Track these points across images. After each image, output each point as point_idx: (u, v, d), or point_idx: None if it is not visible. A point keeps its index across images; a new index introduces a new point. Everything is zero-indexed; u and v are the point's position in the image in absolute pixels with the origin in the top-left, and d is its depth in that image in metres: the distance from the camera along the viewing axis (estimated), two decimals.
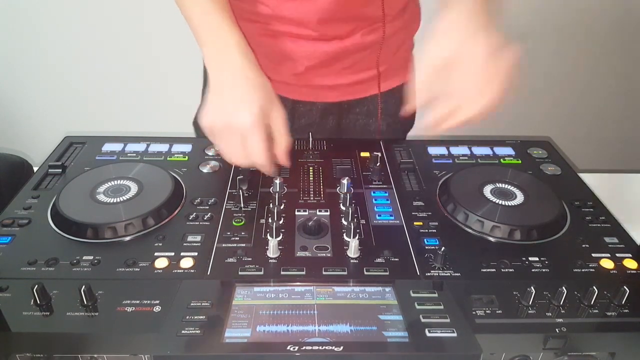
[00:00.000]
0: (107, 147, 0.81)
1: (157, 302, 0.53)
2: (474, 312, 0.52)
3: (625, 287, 0.53)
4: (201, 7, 0.69)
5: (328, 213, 0.67)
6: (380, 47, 0.85)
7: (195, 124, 0.99)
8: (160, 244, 0.61)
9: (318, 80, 0.86)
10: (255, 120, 0.62)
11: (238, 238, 0.63)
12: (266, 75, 0.71)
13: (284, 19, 0.79)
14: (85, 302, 0.51)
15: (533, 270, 0.59)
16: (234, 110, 0.63)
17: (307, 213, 0.67)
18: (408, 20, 0.88)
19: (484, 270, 0.58)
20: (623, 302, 0.53)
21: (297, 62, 0.83)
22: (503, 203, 0.67)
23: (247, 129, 0.63)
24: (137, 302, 0.53)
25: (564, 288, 0.53)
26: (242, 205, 0.68)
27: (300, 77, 0.85)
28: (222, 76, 0.67)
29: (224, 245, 0.61)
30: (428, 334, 0.50)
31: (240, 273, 0.57)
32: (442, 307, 0.53)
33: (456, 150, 0.83)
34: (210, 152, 0.80)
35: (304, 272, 0.57)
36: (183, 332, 0.49)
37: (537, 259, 0.60)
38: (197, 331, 0.49)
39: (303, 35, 0.80)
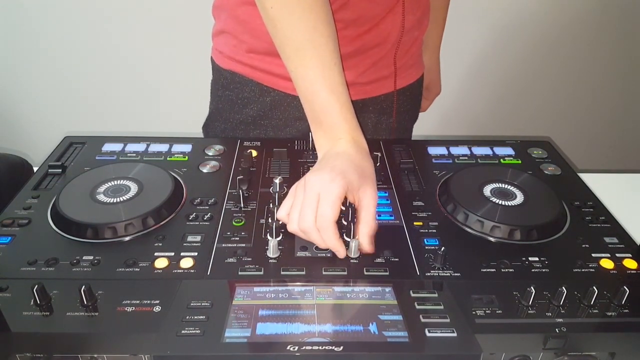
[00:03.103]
0: (107, 147, 0.82)
1: (157, 302, 0.53)
2: (474, 312, 0.52)
3: (625, 287, 0.53)
4: (328, 83, 0.66)
5: None
6: (398, 42, 0.86)
7: (206, 129, 1.00)
8: (160, 244, 0.61)
9: None
10: (341, 190, 0.60)
11: (238, 238, 0.63)
12: (277, 73, 0.81)
13: None
14: (85, 302, 0.51)
15: (533, 270, 0.59)
16: (328, 178, 0.61)
17: None
18: (421, 17, 0.89)
19: (484, 270, 0.58)
20: (623, 302, 0.53)
21: None
22: (503, 203, 0.67)
23: (326, 191, 0.60)
24: (137, 302, 0.53)
25: (564, 288, 0.53)
26: (242, 205, 0.68)
27: None
28: (330, 159, 0.65)
29: (224, 245, 0.61)
30: (428, 334, 0.50)
31: (240, 273, 0.57)
32: (442, 307, 0.53)
33: (456, 150, 0.83)
34: (210, 152, 0.81)
35: (303, 272, 0.57)
36: (183, 332, 0.49)
37: (537, 259, 0.60)
38: (197, 331, 0.49)
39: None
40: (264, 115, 0.90)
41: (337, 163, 0.63)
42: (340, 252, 0.60)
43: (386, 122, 0.96)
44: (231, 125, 0.93)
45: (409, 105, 0.99)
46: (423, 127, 1.88)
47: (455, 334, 0.50)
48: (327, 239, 0.59)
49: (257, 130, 0.92)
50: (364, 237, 0.60)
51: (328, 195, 0.59)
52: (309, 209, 0.59)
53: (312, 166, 0.77)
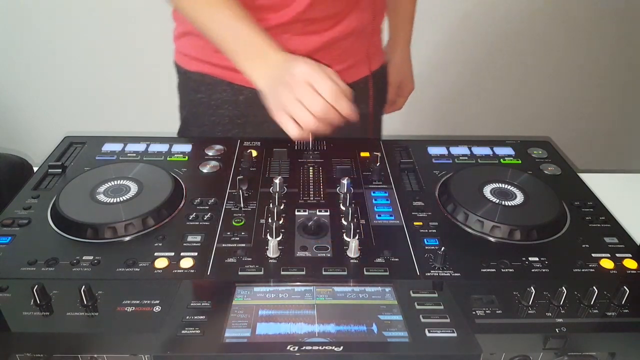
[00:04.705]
0: (107, 147, 0.82)
1: (157, 302, 0.53)
2: (474, 312, 0.52)
3: (625, 287, 0.53)
4: (225, 16, 0.72)
5: (328, 213, 0.67)
6: (371, 30, 0.89)
7: (181, 135, 0.99)
8: (160, 244, 0.61)
9: None
10: (313, 64, 0.67)
11: (238, 238, 0.63)
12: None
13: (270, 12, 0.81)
14: (85, 302, 0.52)
15: (533, 270, 0.59)
16: (289, 67, 0.68)
17: (307, 213, 0.67)
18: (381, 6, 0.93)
19: (484, 270, 0.58)
20: (623, 302, 0.53)
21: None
22: (503, 203, 0.67)
23: (309, 73, 0.66)
24: (137, 302, 0.53)
25: (564, 288, 0.53)
26: (242, 205, 0.68)
27: None
28: (281, 66, 0.70)
29: (224, 245, 0.61)
30: (428, 334, 0.50)
31: (240, 273, 0.57)
32: (442, 307, 0.53)
33: (456, 150, 0.83)
34: (211, 152, 0.80)
35: (303, 272, 0.57)
36: (183, 332, 0.49)
37: (537, 259, 0.60)
38: (197, 331, 0.49)
39: (291, 29, 0.82)
40: (240, 114, 0.90)
41: (290, 62, 0.68)
42: (355, 116, 0.67)
43: (364, 109, 0.96)
44: (208, 127, 0.92)
45: (382, 89, 1.02)
46: (423, 127, 1.89)
47: (455, 334, 0.50)
48: (345, 105, 0.63)
49: (235, 129, 0.91)
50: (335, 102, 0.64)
51: (317, 73, 0.62)
52: (309, 95, 0.62)
53: (312, 166, 0.77)
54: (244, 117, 0.90)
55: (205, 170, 0.76)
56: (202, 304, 0.53)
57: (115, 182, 0.70)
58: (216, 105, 0.89)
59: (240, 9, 0.72)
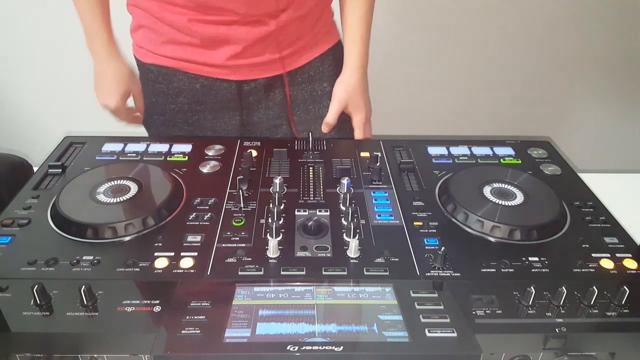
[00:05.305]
0: (107, 147, 0.82)
1: (157, 302, 0.53)
2: (474, 312, 0.52)
3: (625, 287, 0.53)
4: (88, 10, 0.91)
5: (328, 213, 0.67)
6: (305, 17, 0.88)
7: (146, 124, 1.01)
8: (160, 244, 0.61)
9: (258, 58, 0.88)
10: (119, 104, 0.94)
11: (238, 238, 0.63)
12: (202, 62, 0.88)
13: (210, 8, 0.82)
14: (85, 302, 0.52)
15: (533, 270, 0.59)
16: (104, 100, 0.94)
17: (307, 213, 0.67)
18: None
19: (484, 270, 0.58)
20: (623, 302, 0.53)
21: (234, 44, 0.85)
22: (503, 203, 0.67)
23: (113, 111, 0.95)
24: (137, 302, 0.53)
25: (564, 288, 0.53)
26: (242, 205, 0.68)
27: (239, 57, 0.87)
28: (96, 66, 0.95)
29: (224, 245, 0.61)
30: (428, 334, 0.50)
31: (240, 273, 0.57)
32: (442, 307, 0.53)
33: (456, 150, 0.83)
34: (211, 152, 0.81)
35: (304, 272, 0.57)
36: (183, 332, 0.49)
37: (537, 259, 0.60)
38: (197, 331, 0.49)
39: (233, 20, 0.83)
40: (198, 101, 0.92)
41: (101, 57, 0.95)
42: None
43: (320, 89, 0.96)
44: (169, 115, 0.95)
45: (333, 71, 0.97)
46: (423, 127, 1.89)
47: (455, 334, 0.50)
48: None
49: (196, 115, 0.94)
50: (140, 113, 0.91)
51: (119, 114, 0.98)
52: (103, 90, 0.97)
53: (312, 166, 0.77)
54: (202, 104, 0.93)
55: (205, 170, 0.76)
56: (202, 304, 0.53)
57: (115, 182, 0.70)
58: (174, 93, 0.92)
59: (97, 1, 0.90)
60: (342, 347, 0.48)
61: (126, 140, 0.83)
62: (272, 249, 0.59)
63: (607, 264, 0.60)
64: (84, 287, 0.51)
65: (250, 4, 0.81)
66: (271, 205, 0.67)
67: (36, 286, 0.51)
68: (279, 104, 0.95)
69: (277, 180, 0.70)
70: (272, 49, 0.88)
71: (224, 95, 0.92)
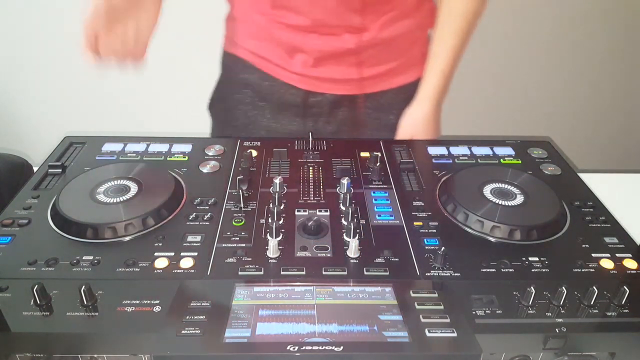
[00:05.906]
0: (107, 147, 0.81)
1: (157, 302, 0.53)
2: (474, 312, 0.52)
3: (625, 287, 0.53)
4: None
5: (328, 213, 0.67)
6: (392, 42, 0.87)
7: (211, 109, 1.04)
8: (160, 244, 0.61)
9: (331, 73, 0.89)
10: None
11: (238, 238, 0.63)
12: (280, 66, 0.88)
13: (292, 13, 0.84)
14: (85, 302, 0.51)
15: (533, 270, 0.59)
16: None
17: (307, 213, 0.67)
18: (423, 17, 0.90)
19: (484, 270, 0.58)
20: (623, 302, 0.53)
21: (307, 54, 0.87)
22: (503, 203, 0.67)
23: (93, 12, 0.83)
24: (137, 302, 0.53)
25: (564, 288, 0.53)
26: (242, 205, 0.68)
27: (310, 67, 0.88)
28: None
29: (224, 245, 0.61)
30: (428, 334, 0.50)
31: (240, 273, 0.57)
32: (442, 307, 0.53)
33: (456, 150, 0.83)
34: (210, 152, 0.81)
35: (303, 272, 0.57)
36: (183, 332, 0.49)
37: (537, 259, 0.60)
38: (197, 331, 0.49)
39: (310, 28, 0.84)
40: (262, 98, 0.94)
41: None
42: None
43: (384, 118, 0.96)
44: (231, 103, 0.97)
45: (404, 105, 0.97)
46: None
47: (455, 334, 0.50)
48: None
49: (255, 110, 0.95)
50: None
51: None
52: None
53: (312, 166, 0.77)
54: (265, 101, 0.94)
55: (205, 170, 0.76)
56: (202, 304, 0.53)
57: (115, 182, 0.70)
58: (243, 84, 0.94)
59: None
60: (342, 347, 0.48)
61: (126, 140, 0.83)
62: (272, 249, 0.59)
63: (607, 264, 0.60)
64: (84, 287, 0.51)
65: (327, 11, 0.81)
66: (271, 205, 0.67)
67: (36, 286, 0.51)
68: (340, 122, 0.95)
69: (277, 180, 0.70)
70: (351, 67, 0.88)
71: (288, 100, 0.93)
